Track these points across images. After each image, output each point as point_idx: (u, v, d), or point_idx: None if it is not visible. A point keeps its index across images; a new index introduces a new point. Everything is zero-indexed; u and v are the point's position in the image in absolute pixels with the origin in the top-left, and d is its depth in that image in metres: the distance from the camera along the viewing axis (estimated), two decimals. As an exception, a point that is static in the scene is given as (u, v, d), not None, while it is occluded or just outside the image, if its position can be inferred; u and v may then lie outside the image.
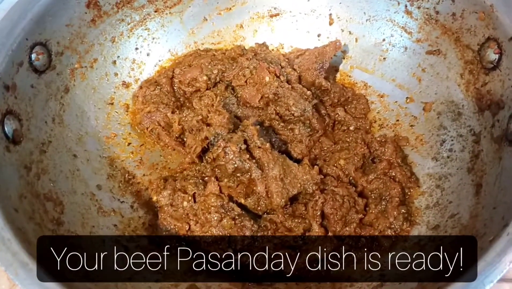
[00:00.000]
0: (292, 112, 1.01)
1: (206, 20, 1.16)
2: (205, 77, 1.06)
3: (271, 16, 1.17)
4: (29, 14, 0.88)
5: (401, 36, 1.09)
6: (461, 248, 0.78)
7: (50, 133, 0.91)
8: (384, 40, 1.11)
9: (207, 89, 1.07)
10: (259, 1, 1.16)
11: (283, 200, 0.90)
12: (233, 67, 1.07)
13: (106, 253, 0.84)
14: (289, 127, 1.03)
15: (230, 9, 1.16)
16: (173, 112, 1.04)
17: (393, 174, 0.97)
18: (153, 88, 1.07)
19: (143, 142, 1.06)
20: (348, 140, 1.04)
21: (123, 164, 1.01)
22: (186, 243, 0.91)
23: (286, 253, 0.88)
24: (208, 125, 0.98)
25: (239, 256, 0.89)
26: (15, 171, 0.80)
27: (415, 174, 0.99)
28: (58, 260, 0.74)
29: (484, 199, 0.84)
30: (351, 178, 0.98)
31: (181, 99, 1.09)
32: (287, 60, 1.10)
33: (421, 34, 1.05)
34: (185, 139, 1.03)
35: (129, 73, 1.10)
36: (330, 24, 1.15)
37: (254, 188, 0.91)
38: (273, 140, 1.02)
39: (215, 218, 0.89)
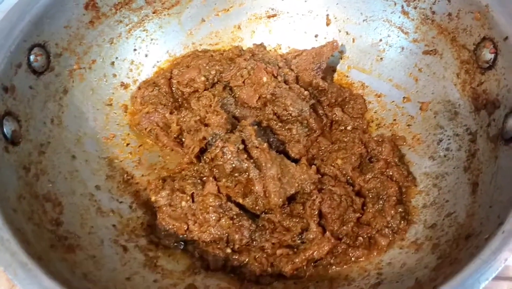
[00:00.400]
0: (290, 112, 1.02)
1: (204, 21, 1.16)
2: (203, 78, 1.06)
3: (269, 17, 1.18)
4: (27, 16, 0.88)
5: (398, 36, 1.09)
6: (458, 247, 0.79)
7: (49, 134, 0.92)
8: (381, 40, 1.12)
9: (205, 90, 1.07)
10: (256, 2, 1.17)
11: (280, 199, 0.91)
12: (231, 68, 1.07)
13: (104, 253, 0.85)
14: (286, 127, 1.04)
15: (228, 10, 1.16)
16: (171, 113, 1.05)
17: (390, 173, 0.98)
18: (151, 89, 1.07)
19: (142, 142, 1.06)
20: (346, 139, 1.04)
21: (122, 165, 1.02)
22: (185, 243, 0.92)
23: (284, 253, 0.89)
24: (206, 125, 0.98)
25: (237, 256, 0.89)
26: (14, 172, 0.80)
27: (412, 173, 0.99)
28: (57, 259, 0.74)
29: (481, 198, 0.84)
30: (348, 177, 0.98)
31: (179, 100, 1.09)
32: (284, 60, 1.10)
33: (417, 34, 1.06)
34: (183, 139, 1.04)
35: (127, 74, 1.10)
36: (327, 24, 1.16)
37: (252, 187, 0.92)
38: (271, 140, 1.03)
39: (213, 218, 0.89)
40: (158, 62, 1.14)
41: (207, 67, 1.07)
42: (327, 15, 1.15)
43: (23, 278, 0.64)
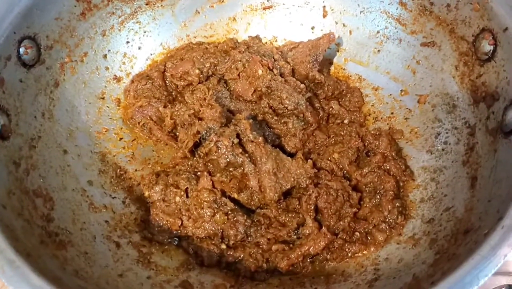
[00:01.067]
0: (286, 105, 1.00)
1: (198, 13, 1.14)
2: (197, 71, 1.05)
3: (264, 8, 1.16)
4: (17, 7, 0.86)
5: (396, 28, 1.08)
6: (456, 242, 0.78)
7: (40, 128, 0.90)
8: (378, 32, 1.10)
9: (199, 83, 1.06)
10: (251, -7, 1.15)
11: (276, 194, 0.89)
12: (226, 61, 1.06)
13: (97, 249, 0.83)
14: (282, 121, 1.02)
15: (223, 1, 1.15)
16: (165, 106, 1.03)
17: (388, 167, 0.97)
18: (144, 82, 1.06)
19: (135, 137, 1.05)
20: (342, 133, 1.03)
21: (115, 159, 1.00)
22: (179, 238, 0.91)
23: (280, 248, 0.88)
24: (200, 119, 0.97)
25: (232, 252, 0.88)
26: (4, 167, 0.78)
27: (410, 167, 0.98)
28: (47, 256, 0.73)
29: (479, 192, 0.83)
30: (345, 171, 0.97)
31: (173, 93, 1.08)
32: (280, 53, 1.08)
33: (415, 26, 1.04)
34: (177, 133, 1.02)
35: (120, 67, 1.08)
36: (324, 16, 1.14)
37: (247, 182, 0.90)
38: (266, 134, 1.01)
39: (208, 213, 0.88)
40: (151, 54, 1.12)
41: (201, 60, 1.06)
42: (324, 6, 1.13)
43: (11, 275, 0.63)
